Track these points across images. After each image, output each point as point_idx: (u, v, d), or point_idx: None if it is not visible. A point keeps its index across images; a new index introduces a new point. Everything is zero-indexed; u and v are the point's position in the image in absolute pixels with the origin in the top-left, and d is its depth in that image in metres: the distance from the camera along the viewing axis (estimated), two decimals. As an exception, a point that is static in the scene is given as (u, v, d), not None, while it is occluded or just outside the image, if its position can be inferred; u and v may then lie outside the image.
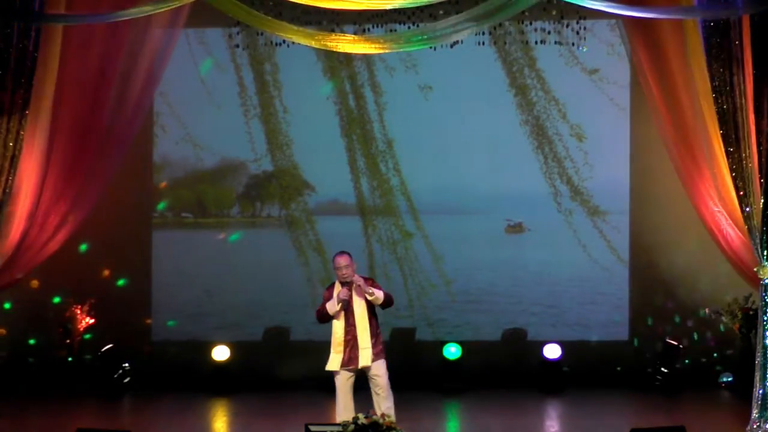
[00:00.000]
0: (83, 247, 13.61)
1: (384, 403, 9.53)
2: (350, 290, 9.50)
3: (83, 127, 11.50)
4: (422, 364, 13.43)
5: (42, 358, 13.62)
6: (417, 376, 13.02)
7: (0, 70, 10.63)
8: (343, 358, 9.53)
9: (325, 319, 9.60)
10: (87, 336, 13.39)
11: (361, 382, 9.77)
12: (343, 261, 9.51)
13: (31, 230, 11.19)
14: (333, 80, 14.05)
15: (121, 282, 13.83)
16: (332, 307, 9.50)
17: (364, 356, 9.47)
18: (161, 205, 14.22)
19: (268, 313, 14.04)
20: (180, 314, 14.01)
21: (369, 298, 9.44)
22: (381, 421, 8.34)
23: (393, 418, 9.18)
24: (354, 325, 9.49)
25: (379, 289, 9.58)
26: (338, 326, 9.56)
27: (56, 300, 13.56)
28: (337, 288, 9.54)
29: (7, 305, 13.29)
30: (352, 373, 9.60)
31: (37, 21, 10.72)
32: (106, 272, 13.80)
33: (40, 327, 13.59)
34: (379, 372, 9.55)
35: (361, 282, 9.46)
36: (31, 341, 13.64)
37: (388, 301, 9.62)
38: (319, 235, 14.11)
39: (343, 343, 9.51)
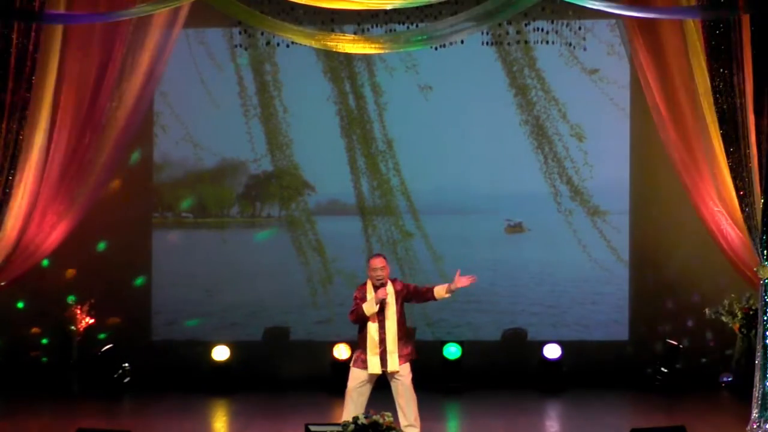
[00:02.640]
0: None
1: (408, 413, 9.37)
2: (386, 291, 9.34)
3: (83, 126, 11.49)
4: (422, 364, 13.38)
5: (42, 358, 13.64)
6: (417, 376, 12.94)
7: (0, 70, 10.63)
8: (380, 360, 9.32)
9: (361, 320, 9.36)
10: (87, 336, 13.37)
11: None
12: (379, 263, 9.35)
13: (28, 229, 11.19)
14: (333, 80, 14.04)
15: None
16: (370, 307, 9.27)
17: (393, 360, 9.33)
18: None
19: (268, 313, 14.05)
20: (180, 314, 14.01)
21: (447, 295, 9.34)
22: (381, 421, 8.33)
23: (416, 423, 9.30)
24: (385, 328, 9.35)
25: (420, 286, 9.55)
26: (373, 328, 9.35)
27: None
28: (369, 288, 9.40)
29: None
30: (377, 375, 9.41)
31: (37, 21, 10.72)
32: (106, 272, 13.79)
33: (40, 327, 13.58)
34: (404, 372, 9.41)
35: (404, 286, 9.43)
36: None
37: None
38: (319, 236, 14.11)
39: (378, 345, 9.33)
